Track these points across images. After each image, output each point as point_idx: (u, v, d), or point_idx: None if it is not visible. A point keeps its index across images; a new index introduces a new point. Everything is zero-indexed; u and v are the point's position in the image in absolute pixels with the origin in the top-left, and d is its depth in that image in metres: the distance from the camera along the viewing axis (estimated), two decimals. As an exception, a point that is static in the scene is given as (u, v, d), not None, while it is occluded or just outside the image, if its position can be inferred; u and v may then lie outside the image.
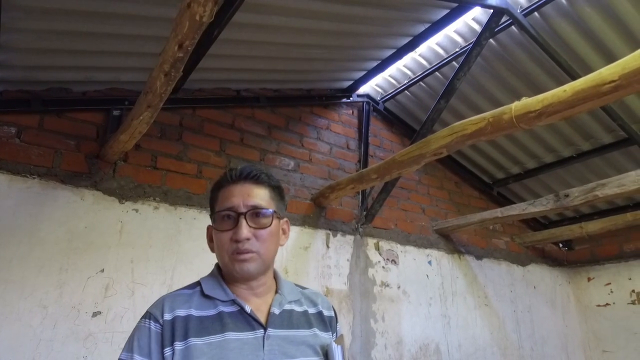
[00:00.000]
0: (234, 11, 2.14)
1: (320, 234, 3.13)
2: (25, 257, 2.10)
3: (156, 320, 1.00)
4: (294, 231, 3.00)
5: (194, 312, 1.02)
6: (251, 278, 1.08)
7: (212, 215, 1.13)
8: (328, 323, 1.19)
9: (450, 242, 3.84)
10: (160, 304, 1.04)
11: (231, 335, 1.01)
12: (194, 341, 0.97)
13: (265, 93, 3.19)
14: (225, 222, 1.07)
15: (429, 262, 3.62)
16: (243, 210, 1.07)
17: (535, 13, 2.71)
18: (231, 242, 1.05)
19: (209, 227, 1.15)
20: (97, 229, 2.32)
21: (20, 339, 2.00)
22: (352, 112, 3.71)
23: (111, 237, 2.34)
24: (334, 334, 1.19)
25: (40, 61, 2.24)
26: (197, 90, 2.88)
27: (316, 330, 1.13)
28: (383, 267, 3.34)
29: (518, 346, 3.86)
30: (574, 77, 2.73)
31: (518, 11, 2.71)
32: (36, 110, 2.33)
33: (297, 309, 1.15)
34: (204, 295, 1.07)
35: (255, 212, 1.08)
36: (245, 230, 1.05)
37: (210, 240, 1.14)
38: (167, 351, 0.97)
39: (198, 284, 1.11)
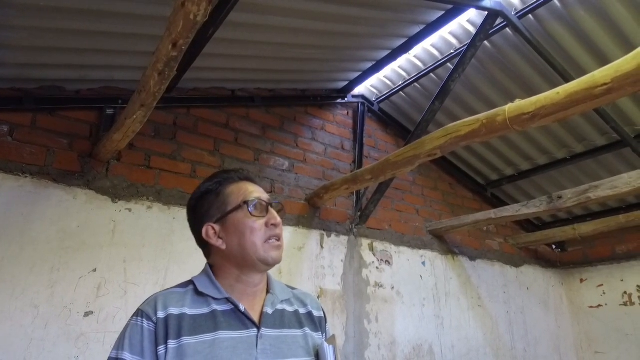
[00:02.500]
0: (229, 10, 2.13)
1: (315, 235, 3.13)
2: (16, 257, 2.09)
3: (149, 318, 0.99)
4: (288, 231, 3.00)
5: (188, 311, 1.02)
6: (275, 265, 1.13)
7: (230, 206, 1.11)
8: (318, 323, 1.19)
9: (444, 243, 3.85)
10: (153, 301, 1.03)
11: (224, 334, 1.00)
12: (188, 340, 0.97)
13: (260, 93, 3.19)
14: (259, 209, 1.12)
15: (423, 263, 3.63)
16: (269, 201, 1.16)
17: (530, 15, 2.72)
18: (267, 227, 1.11)
19: (208, 226, 1.12)
20: (90, 229, 2.30)
21: (11, 338, 1.98)
22: (347, 112, 3.71)
23: (104, 236, 2.33)
24: (324, 334, 1.19)
25: (34, 59, 2.23)
26: (191, 90, 2.87)
27: (307, 330, 1.14)
28: (377, 267, 3.34)
29: (511, 347, 3.88)
30: (567, 79, 2.74)
31: (512, 13, 2.72)
32: (29, 109, 2.31)
33: (289, 308, 1.16)
34: (197, 293, 1.07)
35: (277, 205, 1.18)
36: (278, 216, 1.14)
37: (216, 237, 1.11)
38: (161, 349, 0.96)
39: (191, 282, 1.10)
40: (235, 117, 3.03)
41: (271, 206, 1.14)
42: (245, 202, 1.11)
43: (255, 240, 1.08)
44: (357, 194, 3.43)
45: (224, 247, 1.10)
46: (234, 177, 1.18)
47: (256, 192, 1.15)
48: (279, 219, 1.13)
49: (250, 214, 1.10)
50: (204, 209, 1.15)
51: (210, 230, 1.12)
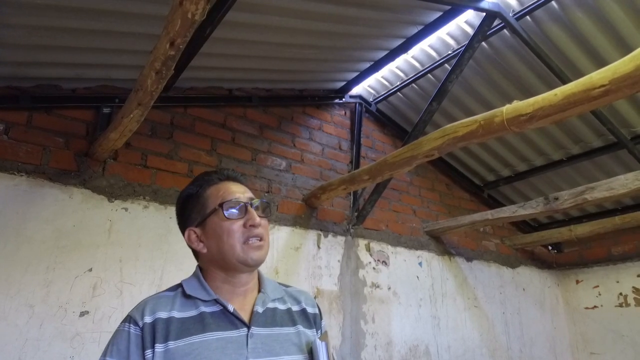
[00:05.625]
0: (227, 10, 2.12)
1: (312, 235, 3.13)
2: (11, 256, 2.07)
3: (136, 324, 1.00)
4: (285, 232, 2.99)
5: (176, 314, 1.02)
6: (258, 266, 1.11)
7: (208, 210, 1.11)
8: (312, 320, 1.19)
9: (440, 243, 3.85)
10: (142, 307, 1.03)
11: (213, 335, 1.01)
12: (176, 343, 0.97)
13: (258, 92, 3.18)
14: (235, 211, 1.10)
15: (420, 264, 3.63)
16: (247, 200, 1.12)
17: (527, 17, 2.73)
18: (244, 228, 1.08)
19: (190, 230, 1.13)
20: (86, 228, 2.29)
21: (6, 338, 1.97)
22: (345, 113, 3.71)
23: (100, 236, 2.32)
24: (319, 331, 1.19)
25: (30, 57, 2.21)
26: (188, 89, 2.86)
27: (300, 328, 1.13)
28: (374, 268, 3.34)
29: (507, 348, 3.89)
30: (564, 81, 2.75)
31: (510, 15, 2.72)
32: (25, 107, 2.30)
33: (281, 307, 1.15)
34: (185, 296, 1.07)
35: (258, 202, 1.14)
36: (257, 216, 1.10)
37: (197, 241, 1.12)
38: (148, 353, 0.96)
39: (180, 285, 1.11)
40: (232, 116, 3.03)
41: (251, 205, 1.11)
42: (221, 205, 1.09)
43: (233, 242, 1.07)
44: (354, 194, 3.43)
45: (204, 250, 1.11)
46: (214, 178, 1.16)
47: (237, 192, 1.13)
48: (257, 219, 1.09)
49: (225, 216, 1.08)
50: (186, 213, 1.16)
51: (192, 235, 1.13)
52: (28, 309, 2.05)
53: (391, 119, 3.91)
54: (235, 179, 1.18)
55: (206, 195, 1.13)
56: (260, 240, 1.10)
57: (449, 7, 2.71)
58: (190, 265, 1.19)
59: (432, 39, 3.04)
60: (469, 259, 3.99)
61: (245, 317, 1.06)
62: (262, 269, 1.21)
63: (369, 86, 3.67)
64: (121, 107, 2.03)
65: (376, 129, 3.87)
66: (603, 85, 1.56)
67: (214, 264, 1.11)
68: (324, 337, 1.12)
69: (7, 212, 2.12)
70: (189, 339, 0.98)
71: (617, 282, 4.11)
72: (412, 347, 3.31)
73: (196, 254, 1.17)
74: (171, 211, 2.54)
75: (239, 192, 1.13)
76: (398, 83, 3.51)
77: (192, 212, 1.14)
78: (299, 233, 3.07)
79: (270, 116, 3.24)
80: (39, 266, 2.13)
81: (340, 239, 3.26)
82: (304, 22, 2.52)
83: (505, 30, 2.82)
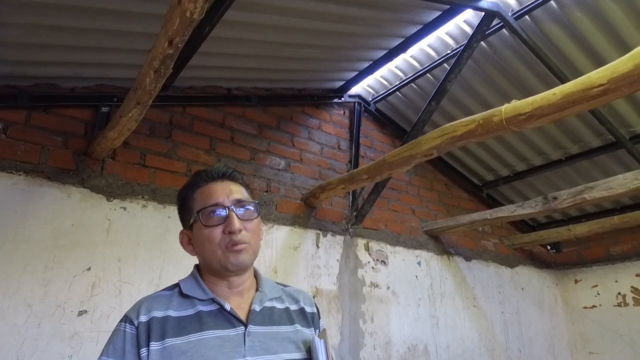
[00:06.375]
0: (226, 9, 2.12)
1: (310, 234, 3.12)
2: (9, 255, 2.07)
3: (131, 323, 1.01)
4: (284, 231, 2.99)
5: (172, 313, 1.03)
6: (244, 270, 1.10)
7: (193, 215, 1.11)
8: (310, 319, 1.19)
9: (439, 243, 3.85)
10: (138, 306, 1.04)
11: (210, 333, 1.01)
12: (172, 341, 0.98)
13: (257, 92, 3.18)
14: (213, 218, 1.08)
15: (418, 263, 3.63)
16: (230, 204, 1.09)
17: (526, 16, 2.73)
18: (224, 235, 1.06)
19: (182, 233, 1.15)
20: (84, 227, 2.29)
21: (4, 337, 1.96)
22: (344, 112, 3.71)
23: (98, 235, 2.32)
24: (317, 330, 1.19)
25: (28, 56, 2.21)
26: (187, 88, 2.86)
27: (298, 326, 1.13)
28: (372, 267, 3.34)
29: (506, 347, 3.89)
30: (563, 80, 2.75)
31: (509, 14, 2.72)
32: (23, 106, 2.30)
33: (279, 305, 1.15)
34: (182, 295, 1.07)
35: (242, 205, 1.11)
36: (237, 221, 1.07)
37: (187, 243, 1.14)
38: (143, 352, 0.97)
39: (177, 285, 1.11)
40: (231, 116, 3.03)
41: (233, 210, 1.08)
42: (199, 212, 1.08)
43: (214, 248, 1.06)
44: (353, 193, 3.43)
45: (194, 253, 1.13)
46: (201, 180, 1.14)
47: (220, 195, 1.10)
48: (235, 226, 1.05)
49: (203, 224, 1.07)
50: (181, 215, 1.18)
51: (184, 238, 1.15)
52: (26, 308, 2.04)
53: (390, 119, 3.91)
54: (224, 177, 1.14)
55: (193, 199, 1.13)
56: (242, 244, 1.07)
57: (448, 6, 2.71)
58: (188, 264, 1.19)
59: (431, 39, 3.04)
60: (467, 259, 3.99)
61: (242, 315, 1.07)
62: (261, 268, 1.21)
63: (368, 86, 3.67)
64: (120, 106, 2.03)
65: (375, 129, 3.87)
66: (602, 85, 1.56)
67: (204, 266, 1.12)
68: (322, 335, 1.13)
69: (6, 211, 2.11)
70: (186, 337, 0.99)
71: (616, 281, 4.11)
72: (410, 346, 3.31)
73: None
74: (170, 210, 2.54)
75: (224, 194, 1.10)
76: (397, 83, 3.51)
77: (184, 215, 1.15)
78: (298, 232, 3.07)
79: (269, 115, 3.23)
80: (38, 265, 2.12)
81: (339, 239, 3.26)
82: (303, 21, 2.52)
83: (504, 30, 2.82)
